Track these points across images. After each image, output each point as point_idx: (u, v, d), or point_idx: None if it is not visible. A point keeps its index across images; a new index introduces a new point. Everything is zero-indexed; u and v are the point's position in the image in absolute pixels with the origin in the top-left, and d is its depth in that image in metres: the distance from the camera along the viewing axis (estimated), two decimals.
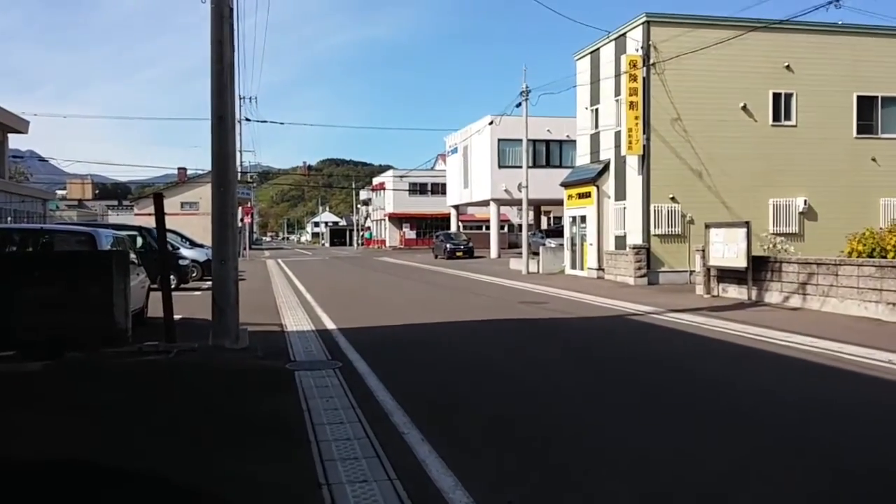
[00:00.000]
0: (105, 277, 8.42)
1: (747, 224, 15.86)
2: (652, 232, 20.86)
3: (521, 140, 35.27)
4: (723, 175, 21.07)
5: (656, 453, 5.31)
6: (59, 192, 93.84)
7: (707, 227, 17.10)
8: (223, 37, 9.28)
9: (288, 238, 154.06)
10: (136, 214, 57.52)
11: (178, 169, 62.76)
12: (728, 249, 16.25)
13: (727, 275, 16.69)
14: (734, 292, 16.45)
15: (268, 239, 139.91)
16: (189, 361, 8.08)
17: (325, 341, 10.57)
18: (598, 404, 6.84)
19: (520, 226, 63.26)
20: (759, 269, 15.66)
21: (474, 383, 7.79)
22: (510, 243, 56.11)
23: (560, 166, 38.45)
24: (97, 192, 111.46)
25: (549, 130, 37.95)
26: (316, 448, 5.37)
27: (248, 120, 54.71)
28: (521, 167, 37.20)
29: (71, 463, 4.73)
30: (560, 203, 42.41)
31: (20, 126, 33.87)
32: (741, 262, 15.75)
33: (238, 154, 53.78)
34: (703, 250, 17.16)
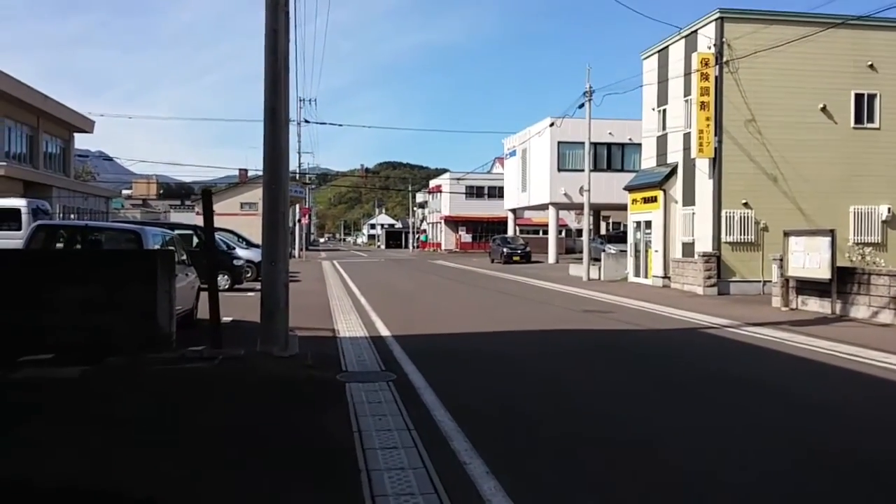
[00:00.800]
0: (149, 278, 7.99)
1: (832, 232, 14.69)
2: (723, 239, 19.73)
3: (581, 143, 34.25)
4: (799, 180, 19.81)
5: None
6: (125, 192, 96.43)
7: (786, 234, 15.95)
8: (278, 25, 8.78)
9: (344, 240, 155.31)
10: (197, 213, 58.40)
11: (240, 170, 63.63)
12: (809, 259, 15.10)
13: (807, 286, 15.52)
14: (815, 305, 15.28)
15: (324, 240, 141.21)
16: (232, 370, 7.56)
17: (379, 349, 9.98)
18: (684, 432, 6.03)
19: (578, 231, 62.25)
20: (843, 282, 14.48)
21: (542, 405, 7.05)
22: (567, 248, 55.00)
23: (622, 170, 37.35)
24: (161, 191, 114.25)
25: (610, 133, 36.85)
26: (366, 478, 4.74)
27: (307, 122, 55.01)
28: (581, 171, 36.23)
29: (74, 490, 4.20)
30: (621, 208, 41.25)
31: (86, 126, 34.46)
32: (825, 274, 14.59)
33: (297, 155, 53.97)
34: (782, 259, 16.03)
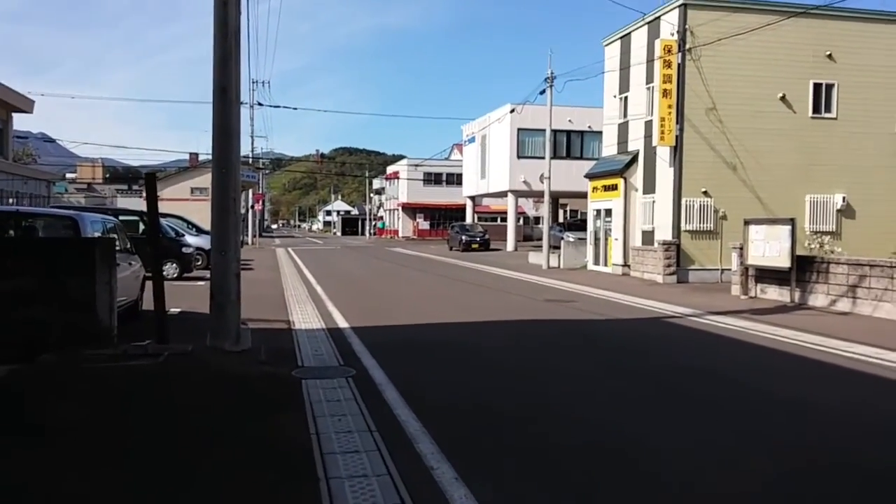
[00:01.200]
0: (87, 268, 7.39)
1: (792, 221, 14.67)
2: (682, 227, 19.69)
3: (541, 130, 34.08)
4: (758, 169, 19.86)
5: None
6: (70, 176, 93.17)
7: (746, 223, 15.91)
8: None
9: (299, 226, 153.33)
10: (144, 199, 56.68)
11: (190, 154, 61.89)
12: (769, 248, 15.08)
13: (766, 275, 15.51)
14: (774, 294, 15.29)
15: (277, 227, 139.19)
16: (179, 368, 7.03)
17: (337, 342, 9.52)
18: (660, 426, 5.74)
19: (535, 218, 62.29)
20: (802, 270, 14.50)
21: (512, 402, 6.70)
22: (525, 236, 54.98)
23: (581, 157, 37.30)
24: (107, 175, 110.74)
25: (570, 120, 36.71)
26: (325, 488, 4.32)
27: (260, 105, 53.78)
28: (540, 158, 36.03)
29: None
30: (579, 196, 41.34)
31: (25, 105, 32.89)
32: (784, 262, 14.57)
33: (250, 138, 52.74)
34: (741, 248, 16.00)
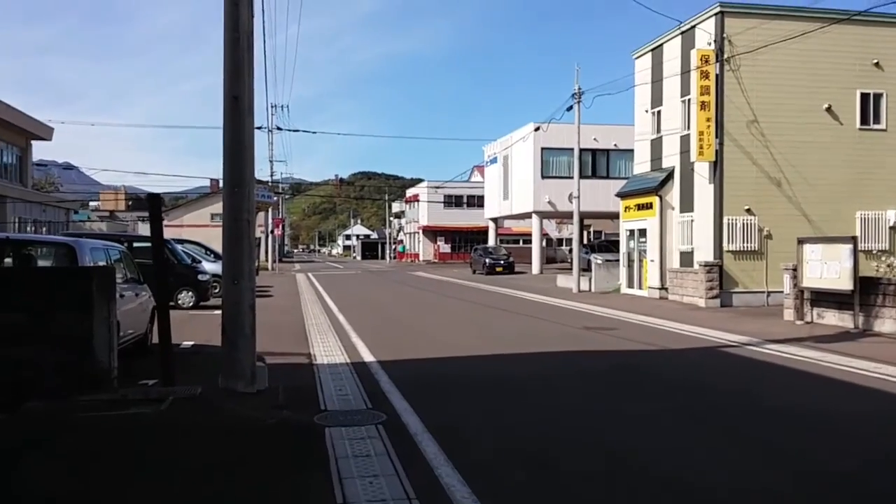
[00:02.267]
0: (84, 302, 6.49)
1: (853, 240, 13.54)
2: (725, 248, 18.54)
3: (566, 149, 33.23)
4: (804, 185, 18.71)
5: None
6: (93, 204, 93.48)
7: (800, 242, 14.77)
8: None
9: (319, 251, 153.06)
10: (166, 226, 56.41)
11: (211, 180, 61.68)
12: (827, 269, 13.92)
13: (824, 298, 14.34)
14: (833, 319, 14.09)
15: (297, 251, 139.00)
16: (185, 416, 6.08)
17: (363, 379, 8.54)
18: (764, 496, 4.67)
19: (559, 240, 61.06)
20: (866, 293, 13.31)
21: (576, 457, 5.66)
22: (548, 258, 53.78)
23: (607, 177, 36.25)
24: (129, 203, 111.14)
25: (595, 139, 35.67)
26: None
27: (279, 129, 53.37)
28: (565, 178, 35.15)
29: None
30: (605, 216, 40.26)
31: (44, 133, 32.55)
32: (846, 284, 13.40)
33: (269, 163, 52.28)
34: (795, 269, 14.84)
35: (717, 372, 9.61)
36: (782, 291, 15.58)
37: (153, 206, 6.81)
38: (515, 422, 6.72)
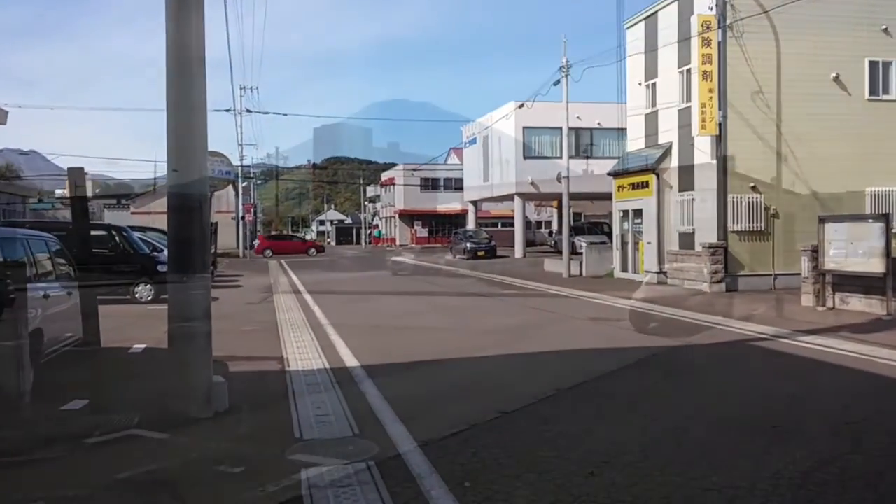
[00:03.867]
0: None
1: (886, 217, 12.29)
2: (729, 228, 17.26)
3: (549, 128, 31.97)
4: (812, 159, 17.45)
5: None
6: (59, 192, 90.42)
7: (822, 220, 13.51)
8: None
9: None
10: (133, 213, 54.21)
11: None
12: (853, 249, 12.68)
13: (848, 282, 13.11)
14: (859, 304, 12.87)
15: None
16: (108, 463, 4.54)
17: (347, 392, 7.05)
18: None
19: (538, 223, 59.71)
20: None
21: None
22: (528, 241, 52.41)
23: (591, 156, 34.90)
24: (97, 190, 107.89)
25: (578, 117, 34.11)
26: None
27: (248, 111, 51.26)
28: (548, 158, 33.83)
29: None
30: (591, 197, 38.81)
31: None
32: (877, 267, 12.16)
33: (238, 146, 50.16)
34: (815, 250, 13.59)
35: (755, 373, 8.28)
36: (791, 274, 14.33)
37: (73, 180, 5.24)
38: (542, 454, 5.27)
